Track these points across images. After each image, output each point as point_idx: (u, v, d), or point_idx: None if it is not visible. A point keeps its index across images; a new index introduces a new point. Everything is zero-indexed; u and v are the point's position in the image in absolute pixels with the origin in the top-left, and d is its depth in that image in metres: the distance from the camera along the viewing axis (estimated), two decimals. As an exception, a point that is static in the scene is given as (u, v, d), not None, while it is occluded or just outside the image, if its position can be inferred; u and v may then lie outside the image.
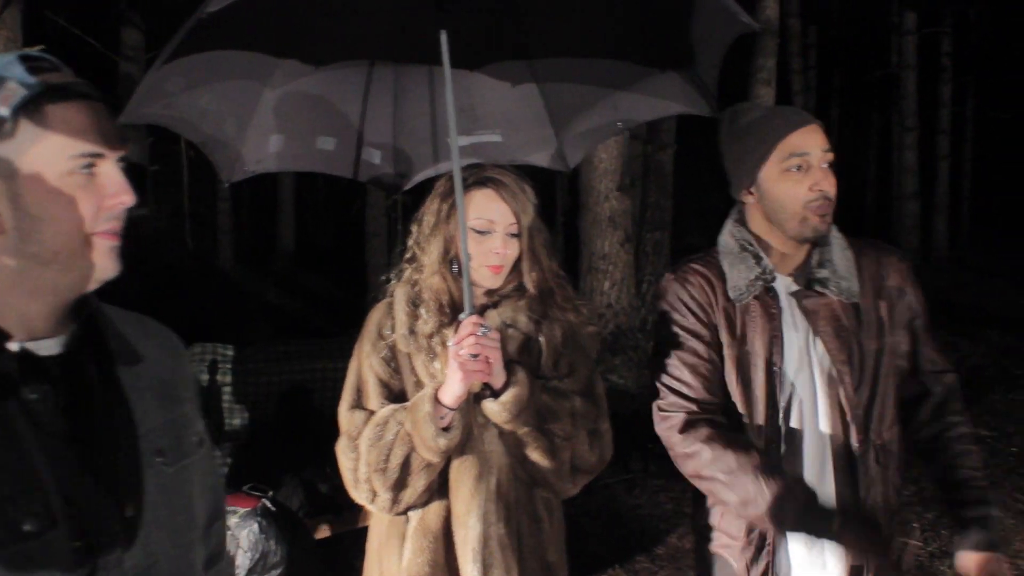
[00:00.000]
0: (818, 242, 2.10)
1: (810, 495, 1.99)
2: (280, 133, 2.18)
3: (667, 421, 2.12)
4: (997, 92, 21.08)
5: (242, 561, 3.66)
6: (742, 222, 2.19)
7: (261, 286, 14.45)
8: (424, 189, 2.24)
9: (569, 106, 2.34)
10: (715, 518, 2.19)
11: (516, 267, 2.14)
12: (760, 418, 2.08)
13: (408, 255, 2.19)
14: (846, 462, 2.06)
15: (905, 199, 17.27)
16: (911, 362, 2.18)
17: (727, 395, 2.12)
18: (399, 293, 2.16)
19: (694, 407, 2.10)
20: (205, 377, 5.12)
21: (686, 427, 2.07)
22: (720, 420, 2.09)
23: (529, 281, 2.14)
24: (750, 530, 2.10)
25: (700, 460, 2.04)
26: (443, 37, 1.95)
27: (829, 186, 2.03)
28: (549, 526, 2.16)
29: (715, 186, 2.36)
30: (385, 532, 2.14)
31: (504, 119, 2.38)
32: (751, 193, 2.12)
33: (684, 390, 2.12)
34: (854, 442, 2.05)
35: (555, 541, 2.18)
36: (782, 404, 2.06)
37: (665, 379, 2.14)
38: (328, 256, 17.08)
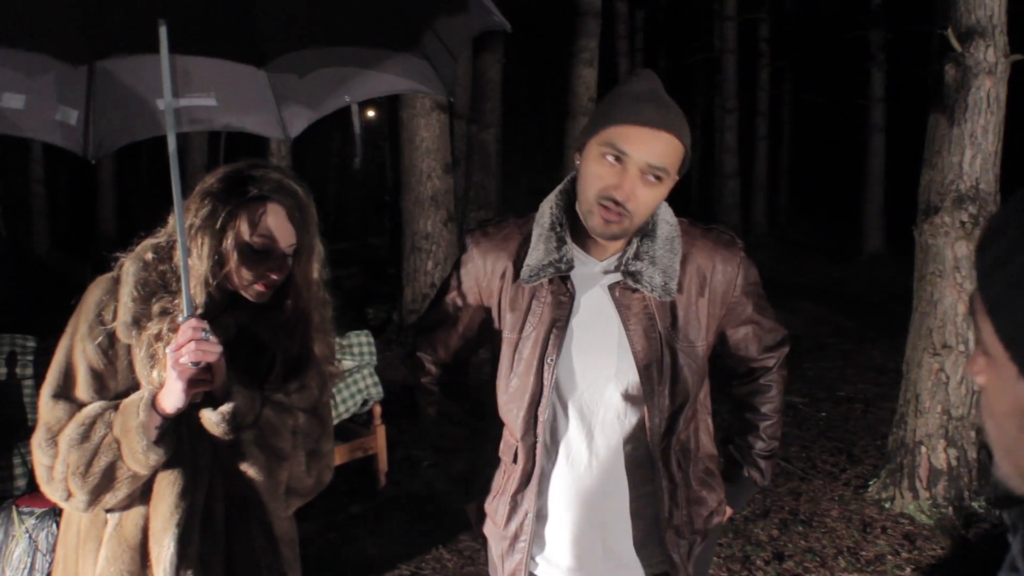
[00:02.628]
0: (641, 232, 1.94)
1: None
2: None
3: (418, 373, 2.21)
4: (812, 76, 22.11)
5: (41, 564, 3.52)
6: (569, 191, 2.00)
7: (80, 272, 13.85)
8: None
9: (293, 76, 2.24)
10: (487, 501, 2.16)
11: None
12: (529, 402, 1.99)
13: (158, 240, 1.95)
14: (640, 466, 2.01)
15: (726, 177, 17.97)
16: (736, 351, 2.17)
17: (494, 386, 2.08)
18: (129, 270, 1.90)
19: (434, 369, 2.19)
20: (3, 371, 4.87)
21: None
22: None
23: (291, 302, 1.98)
24: (508, 520, 2.07)
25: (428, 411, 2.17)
26: (162, 27, 1.86)
27: (625, 196, 1.80)
28: (265, 547, 2.01)
29: (544, 167, 2.32)
30: (85, 530, 1.95)
31: (220, 82, 2.22)
32: (579, 156, 1.93)
33: (436, 351, 2.18)
34: (652, 444, 1.99)
35: (276, 560, 2.03)
36: (548, 392, 1.97)
37: (422, 338, 2.19)
38: (152, 240, 16.48)
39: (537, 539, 2.07)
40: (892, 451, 5.00)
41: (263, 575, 2.00)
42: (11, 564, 3.41)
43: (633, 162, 1.79)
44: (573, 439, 2.00)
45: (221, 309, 1.94)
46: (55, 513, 3.55)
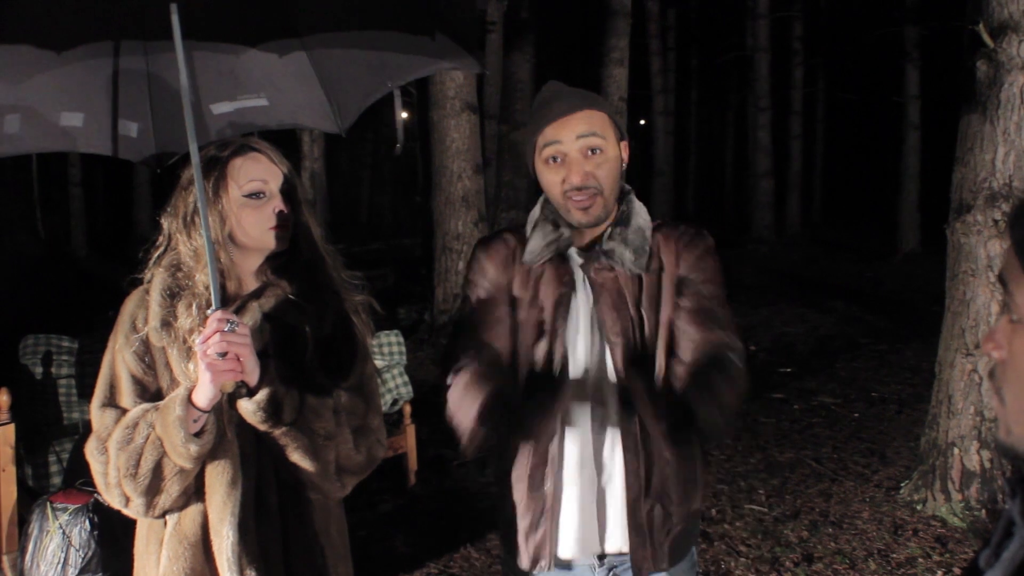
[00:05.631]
0: (616, 220, 2.10)
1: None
2: (15, 113, 2.05)
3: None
4: (846, 75, 21.94)
5: (74, 559, 3.58)
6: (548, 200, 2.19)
7: (116, 274, 14.02)
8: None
9: (338, 69, 2.30)
10: (509, 488, 2.18)
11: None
12: (541, 378, 2.07)
13: (160, 249, 2.04)
14: (627, 432, 2.07)
15: (759, 177, 17.87)
16: (690, 334, 2.14)
17: (515, 355, 2.12)
18: (156, 281, 1.99)
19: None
20: (39, 370, 4.94)
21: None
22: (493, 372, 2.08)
23: (303, 246, 2.05)
24: (528, 497, 2.11)
25: (450, 392, 2.04)
26: (174, 11, 1.92)
27: (579, 177, 2.00)
28: (322, 529, 2.06)
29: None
30: (145, 535, 2.01)
31: (269, 82, 2.30)
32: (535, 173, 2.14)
33: (473, 351, 2.12)
34: (631, 411, 2.06)
35: (330, 543, 2.08)
36: (557, 367, 2.06)
37: (458, 343, 2.15)
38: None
39: (553, 514, 2.11)
40: (924, 452, 4.94)
41: (318, 558, 2.04)
42: (45, 558, 3.47)
43: (568, 147, 2.00)
44: (577, 413, 2.09)
45: (247, 296, 2.00)
46: (88, 509, 3.61)
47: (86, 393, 4.89)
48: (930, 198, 14.62)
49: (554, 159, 2.02)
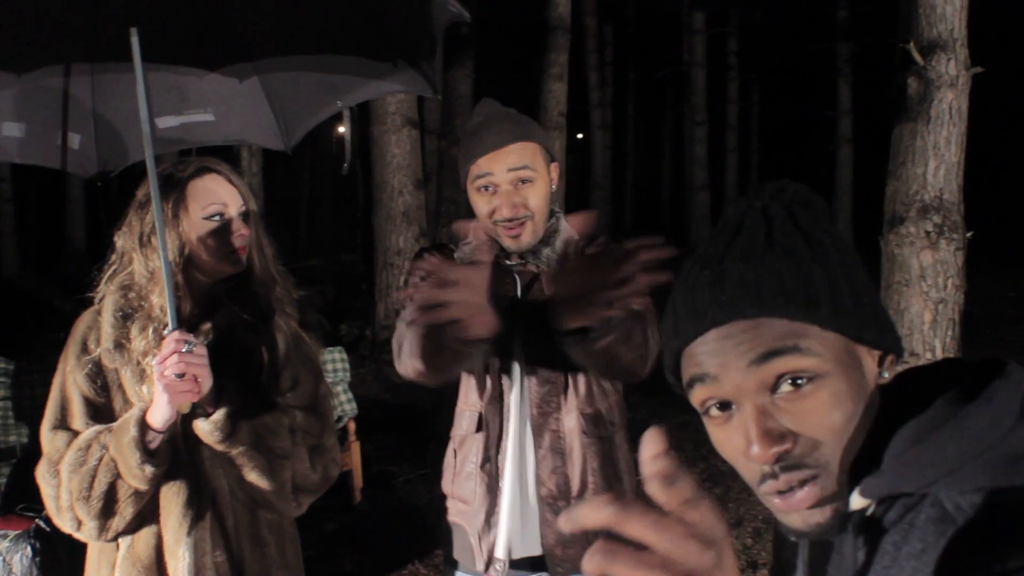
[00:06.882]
0: (545, 236, 2.14)
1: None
2: None
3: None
4: (780, 89, 22.34)
5: (14, 587, 3.49)
6: None
7: (49, 292, 13.72)
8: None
9: (287, 86, 2.30)
10: (447, 483, 2.21)
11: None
12: (485, 375, 2.12)
13: (113, 267, 2.01)
14: (545, 427, 2.10)
15: (696, 190, 18.10)
16: None
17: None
18: (108, 301, 1.96)
19: None
20: (-27, 393, 4.82)
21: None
22: None
23: (256, 266, 2.05)
24: (483, 494, 2.11)
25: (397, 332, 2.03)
26: (134, 34, 1.89)
27: (509, 210, 2.04)
28: (276, 549, 2.05)
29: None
30: (96, 560, 1.97)
31: (217, 98, 2.28)
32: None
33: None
34: (550, 405, 2.11)
35: (285, 564, 2.07)
36: (500, 363, 2.10)
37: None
38: (124, 258, 16.37)
39: (498, 515, 2.12)
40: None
41: (274, 575, 2.03)
42: (-16, 587, 3.38)
43: (499, 179, 2.05)
44: (514, 406, 2.11)
45: (201, 317, 1.98)
46: (29, 535, 3.53)
47: (23, 415, 4.77)
48: (863, 210, 14.94)
49: (486, 188, 2.06)
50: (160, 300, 1.90)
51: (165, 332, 1.83)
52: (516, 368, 2.12)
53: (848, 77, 16.85)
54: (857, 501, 0.89)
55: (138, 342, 1.91)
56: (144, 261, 1.94)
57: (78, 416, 1.90)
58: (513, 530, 2.11)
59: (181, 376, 1.75)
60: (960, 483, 0.81)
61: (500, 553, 2.10)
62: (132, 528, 1.89)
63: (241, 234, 1.98)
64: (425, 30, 2.18)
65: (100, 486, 1.81)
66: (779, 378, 0.87)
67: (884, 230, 4.85)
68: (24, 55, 2.01)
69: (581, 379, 2.12)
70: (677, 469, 0.68)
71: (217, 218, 1.97)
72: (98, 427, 1.87)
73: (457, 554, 2.22)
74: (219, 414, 1.85)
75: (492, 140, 2.06)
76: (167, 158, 2.23)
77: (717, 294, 0.91)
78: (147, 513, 1.89)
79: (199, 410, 1.87)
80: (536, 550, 2.11)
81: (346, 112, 2.40)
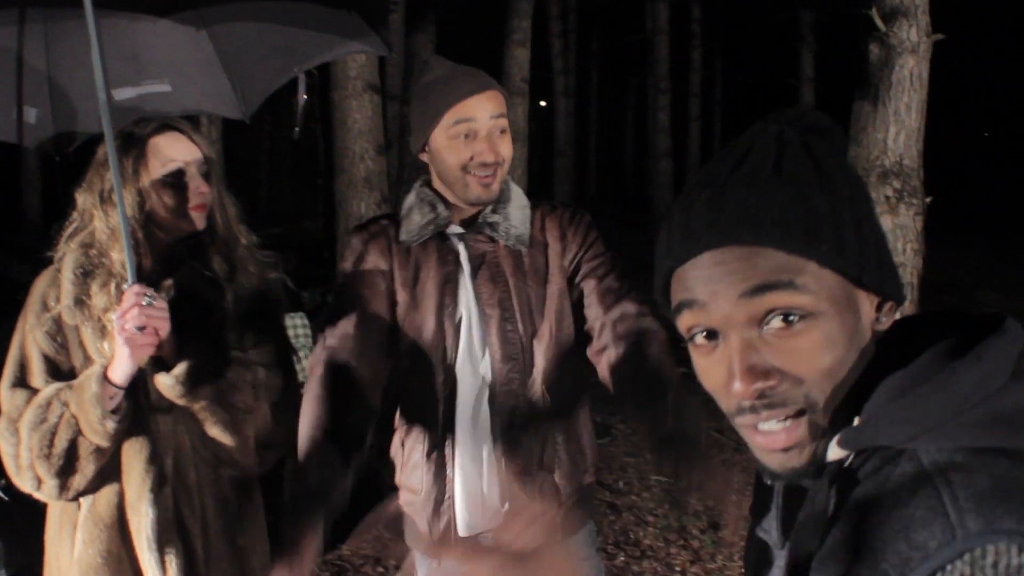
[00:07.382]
0: (493, 201, 2.10)
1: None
2: None
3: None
4: (743, 57, 22.40)
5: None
6: (427, 183, 2.17)
7: (4, 264, 13.53)
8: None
9: (243, 53, 2.26)
10: (397, 474, 2.18)
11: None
12: (431, 359, 2.05)
13: (73, 224, 1.99)
14: (508, 404, 2.06)
15: (659, 158, 18.10)
16: (589, 306, 2.14)
17: (396, 338, 2.07)
18: (68, 259, 1.96)
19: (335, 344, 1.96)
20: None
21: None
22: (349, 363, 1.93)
23: (219, 224, 2.04)
24: (430, 483, 2.08)
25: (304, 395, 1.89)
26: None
27: (493, 155, 2.01)
28: (240, 506, 2.04)
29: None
30: (57, 520, 1.97)
31: (173, 68, 2.25)
32: (426, 152, 2.10)
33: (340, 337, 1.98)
34: (514, 383, 2.06)
35: (249, 522, 2.06)
36: (450, 344, 2.05)
37: (328, 331, 1.99)
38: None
39: (453, 493, 2.09)
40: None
41: (238, 537, 2.02)
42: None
43: (483, 125, 2.00)
44: (469, 389, 2.07)
45: (162, 273, 1.97)
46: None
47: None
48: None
49: (465, 136, 2.00)
50: (120, 256, 1.88)
51: (125, 286, 1.82)
52: (475, 349, 2.07)
53: (811, 45, 16.93)
54: (835, 452, 0.88)
55: (99, 298, 1.89)
56: (105, 218, 1.93)
57: (38, 374, 1.89)
58: (474, 509, 2.08)
59: (141, 329, 1.76)
60: (941, 441, 0.79)
61: (463, 532, 2.08)
62: (93, 487, 1.89)
63: (201, 191, 1.98)
64: None
65: (61, 443, 1.81)
66: (769, 312, 0.85)
67: (845, 195, 4.88)
68: None
69: (541, 356, 2.08)
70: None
71: (178, 175, 1.95)
72: (58, 384, 1.86)
73: (410, 541, 2.20)
74: (180, 368, 1.84)
75: (470, 85, 2.01)
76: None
77: (715, 216, 0.87)
78: (108, 471, 1.88)
79: (160, 365, 1.86)
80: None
81: (301, 77, 2.39)
